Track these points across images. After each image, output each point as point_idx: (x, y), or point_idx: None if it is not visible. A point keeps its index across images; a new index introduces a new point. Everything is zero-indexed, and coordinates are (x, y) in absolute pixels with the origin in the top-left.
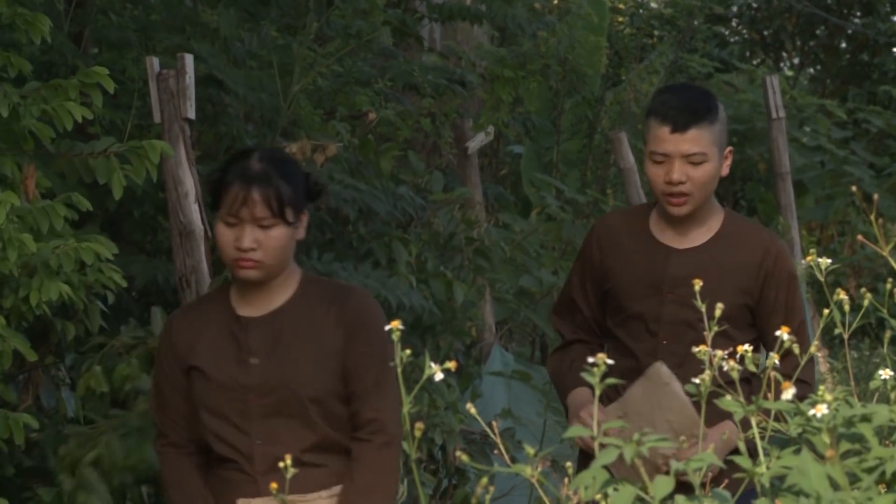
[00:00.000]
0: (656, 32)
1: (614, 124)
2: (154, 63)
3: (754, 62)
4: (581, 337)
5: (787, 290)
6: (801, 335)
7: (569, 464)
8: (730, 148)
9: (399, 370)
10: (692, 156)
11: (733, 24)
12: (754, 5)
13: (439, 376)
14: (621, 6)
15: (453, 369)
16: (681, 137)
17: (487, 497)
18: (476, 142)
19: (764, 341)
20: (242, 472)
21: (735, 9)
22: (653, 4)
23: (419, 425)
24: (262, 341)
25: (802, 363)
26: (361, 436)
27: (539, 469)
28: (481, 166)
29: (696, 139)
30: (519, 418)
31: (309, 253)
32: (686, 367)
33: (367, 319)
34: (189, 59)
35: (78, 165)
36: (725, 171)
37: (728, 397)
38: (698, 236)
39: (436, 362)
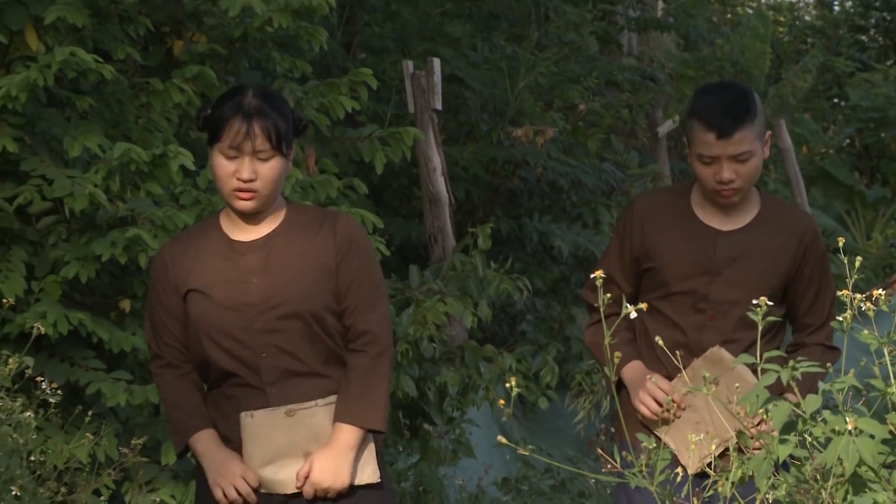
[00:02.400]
0: (809, 40)
1: (775, 113)
2: (409, 65)
3: (888, 63)
4: (616, 311)
5: (822, 267)
6: (832, 309)
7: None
8: (769, 133)
9: (602, 310)
10: (740, 155)
11: (871, 32)
12: (888, 18)
13: (633, 315)
14: (781, 19)
15: (645, 309)
16: (727, 142)
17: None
18: (665, 127)
19: (794, 314)
20: (248, 386)
21: (873, 20)
22: (806, 17)
23: (617, 354)
24: (260, 262)
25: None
26: (356, 346)
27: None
28: (668, 147)
29: (741, 141)
30: None
31: (531, 216)
32: (731, 343)
33: (357, 239)
34: (436, 62)
35: (348, 147)
36: (766, 153)
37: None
38: (741, 218)
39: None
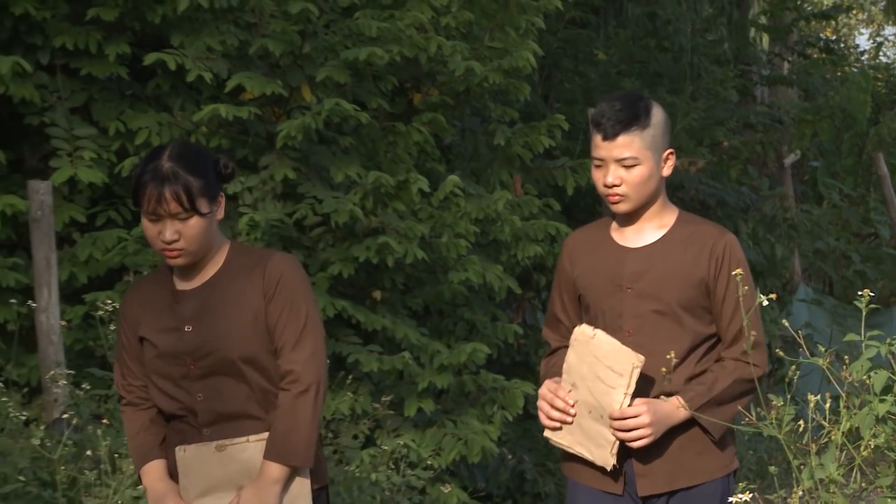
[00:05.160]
0: None
1: (875, 148)
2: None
3: None
4: (565, 344)
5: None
6: (753, 320)
7: (846, 357)
8: (670, 150)
9: (740, 299)
10: (623, 160)
11: None
12: None
13: (765, 303)
14: (879, 76)
15: (775, 299)
16: (612, 144)
17: (795, 377)
18: (789, 159)
19: (720, 328)
20: (189, 425)
21: None
22: None
23: (754, 332)
24: (194, 311)
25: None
26: (283, 386)
27: (828, 360)
28: (792, 174)
29: (625, 145)
30: (815, 328)
31: None
32: (653, 357)
33: (284, 280)
34: None
35: (546, 174)
36: (667, 171)
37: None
38: (652, 235)
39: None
